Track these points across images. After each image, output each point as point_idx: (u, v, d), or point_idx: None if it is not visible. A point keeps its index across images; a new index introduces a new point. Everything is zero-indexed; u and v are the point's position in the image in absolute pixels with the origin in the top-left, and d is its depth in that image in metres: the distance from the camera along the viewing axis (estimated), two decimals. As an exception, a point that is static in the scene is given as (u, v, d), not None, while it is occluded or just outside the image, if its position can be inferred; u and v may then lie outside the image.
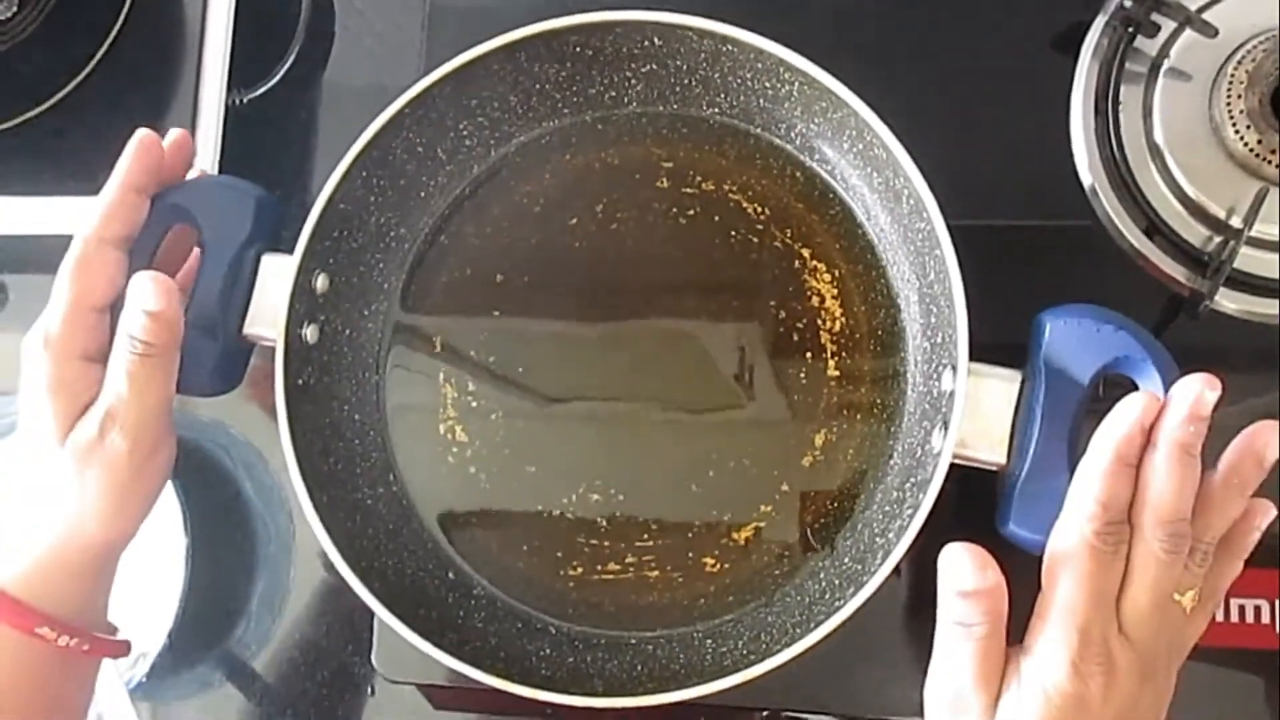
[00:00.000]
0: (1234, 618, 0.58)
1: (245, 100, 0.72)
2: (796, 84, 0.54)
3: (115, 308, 0.52)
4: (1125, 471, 0.44)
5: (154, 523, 0.65)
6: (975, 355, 0.49)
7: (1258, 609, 0.58)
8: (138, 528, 0.55)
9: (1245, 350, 0.61)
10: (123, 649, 0.57)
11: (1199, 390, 0.44)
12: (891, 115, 0.51)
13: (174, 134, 0.56)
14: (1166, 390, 0.47)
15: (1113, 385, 0.49)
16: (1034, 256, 0.62)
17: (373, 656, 0.63)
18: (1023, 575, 0.59)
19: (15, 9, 0.73)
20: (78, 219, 0.53)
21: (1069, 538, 0.44)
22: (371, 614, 0.52)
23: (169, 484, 0.65)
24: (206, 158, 0.70)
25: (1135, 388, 0.48)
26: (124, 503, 0.52)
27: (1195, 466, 0.44)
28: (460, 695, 0.64)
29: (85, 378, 0.51)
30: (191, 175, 0.57)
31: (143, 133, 0.54)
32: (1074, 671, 0.43)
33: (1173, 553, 0.44)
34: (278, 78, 0.72)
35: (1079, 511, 0.44)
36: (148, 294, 0.50)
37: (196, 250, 0.57)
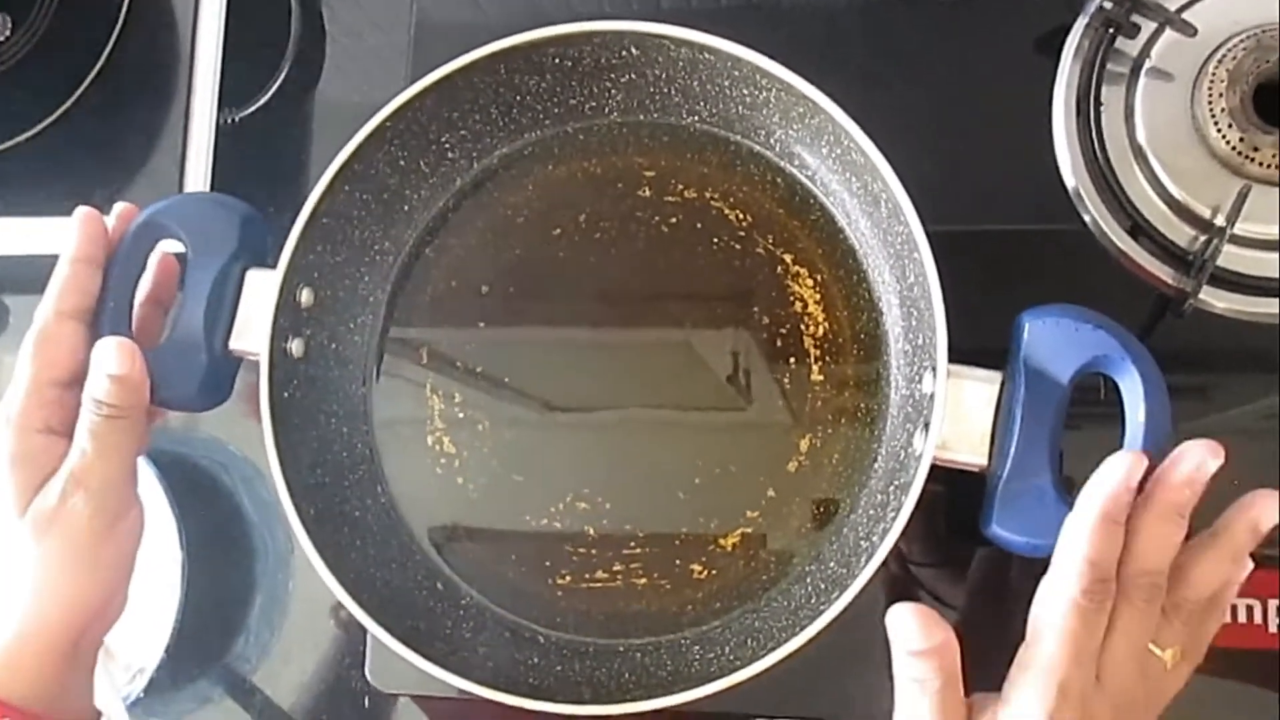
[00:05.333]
0: (1226, 617, 0.57)
1: (237, 118, 0.72)
2: (774, 90, 0.55)
3: (80, 380, 0.52)
4: (1113, 530, 0.44)
5: (149, 538, 0.66)
6: (962, 359, 0.49)
7: (1250, 609, 0.57)
8: (110, 606, 0.52)
9: (1236, 351, 0.61)
10: None
11: (1201, 458, 0.45)
12: (873, 121, 0.51)
13: (118, 207, 0.56)
14: (1146, 391, 0.47)
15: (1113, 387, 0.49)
16: (1018, 259, 0.62)
17: (366, 668, 0.64)
18: (1008, 576, 0.59)
19: (9, 32, 0.73)
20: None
21: (1055, 594, 0.44)
22: (366, 627, 0.52)
23: (163, 497, 0.66)
24: (198, 176, 0.71)
25: (1115, 386, 0.48)
26: (86, 575, 0.51)
27: (1184, 526, 0.45)
28: (454, 706, 0.65)
29: (48, 450, 0.51)
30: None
31: (82, 209, 0.54)
32: None
33: (1149, 603, 0.44)
34: (269, 96, 0.73)
35: (1066, 569, 0.44)
36: (110, 358, 0.51)
37: (172, 264, 0.57)
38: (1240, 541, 0.46)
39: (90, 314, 0.53)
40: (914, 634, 0.44)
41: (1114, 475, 0.45)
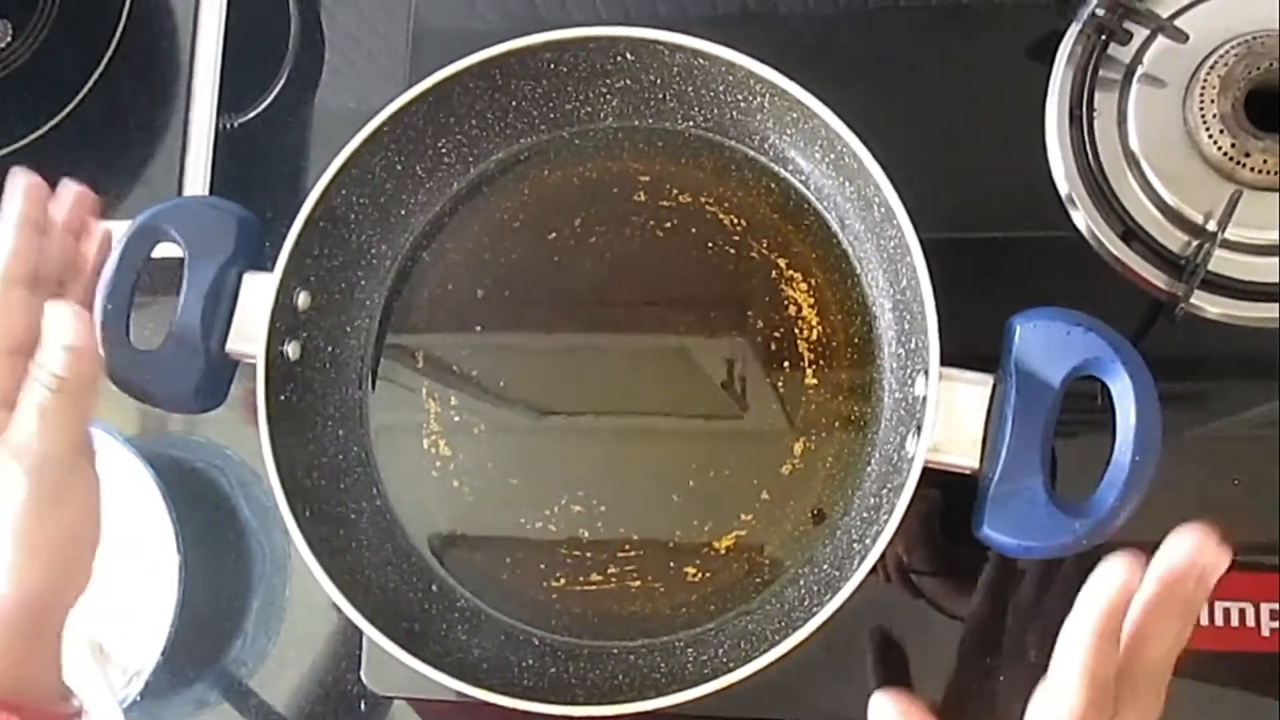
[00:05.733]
0: (1219, 621, 0.57)
1: (236, 124, 0.73)
2: (767, 95, 0.55)
3: (27, 348, 0.49)
4: (1113, 638, 0.41)
5: (145, 541, 0.67)
6: (956, 364, 0.49)
7: (1243, 612, 0.58)
8: (64, 584, 0.50)
9: (1233, 357, 0.61)
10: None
11: (1198, 542, 0.42)
12: (867, 128, 0.52)
13: (62, 183, 0.55)
14: (1137, 394, 0.47)
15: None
16: (1012, 265, 0.62)
17: (361, 671, 0.64)
18: (996, 565, 0.59)
19: (9, 38, 0.74)
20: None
21: (1055, 704, 0.41)
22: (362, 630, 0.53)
23: (160, 500, 0.66)
24: (197, 181, 0.71)
25: (1106, 388, 0.48)
26: (28, 556, 0.47)
27: (1191, 618, 0.42)
28: (449, 709, 0.65)
29: None
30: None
31: (17, 170, 0.53)
32: None
33: (1156, 696, 0.42)
34: (268, 101, 0.73)
35: (1065, 679, 0.41)
36: (67, 327, 0.48)
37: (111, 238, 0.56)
38: (1193, 596, 0.42)
39: (36, 280, 0.51)
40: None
41: (1111, 587, 0.41)
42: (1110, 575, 0.42)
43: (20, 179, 0.53)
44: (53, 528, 0.48)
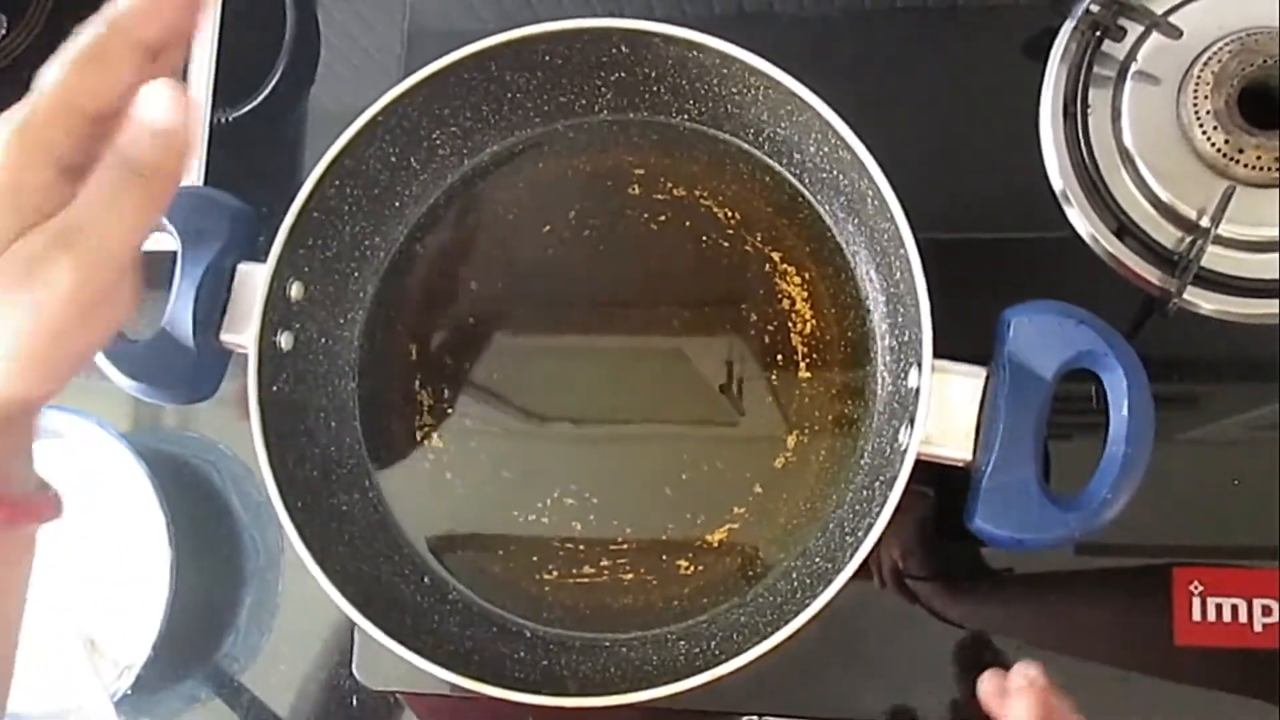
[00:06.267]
0: (1211, 617, 0.57)
1: (231, 118, 0.73)
2: (762, 88, 0.55)
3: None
4: None
5: (138, 536, 0.67)
6: (947, 359, 0.49)
7: (1235, 608, 0.57)
8: (60, 387, 0.42)
9: (1231, 357, 0.61)
10: (50, 508, 0.45)
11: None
12: (862, 126, 0.52)
13: None
14: (1129, 387, 0.47)
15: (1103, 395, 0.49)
16: (1005, 261, 0.63)
17: (354, 666, 0.64)
18: (992, 569, 0.59)
19: (4, 31, 0.74)
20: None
21: None
22: (354, 624, 0.52)
23: (153, 495, 0.66)
24: (192, 174, 0.71)
25: (1099, 381, 0.48)
26: (48, 357, 0.40)
27: None
28: (442, 703, 0.65)
29: (48, 190, 0.38)
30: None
31: None
32: None
33: None
34: (263, 96, 0.73)
35: None
36: (162, 103, 0.39)
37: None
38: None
39: (170, 56, 0.41)
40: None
41: None
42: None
43: None
44: (78, 339, 0.41)
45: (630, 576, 0.57)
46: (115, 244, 0.39)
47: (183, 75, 0.49)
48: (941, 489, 0.57)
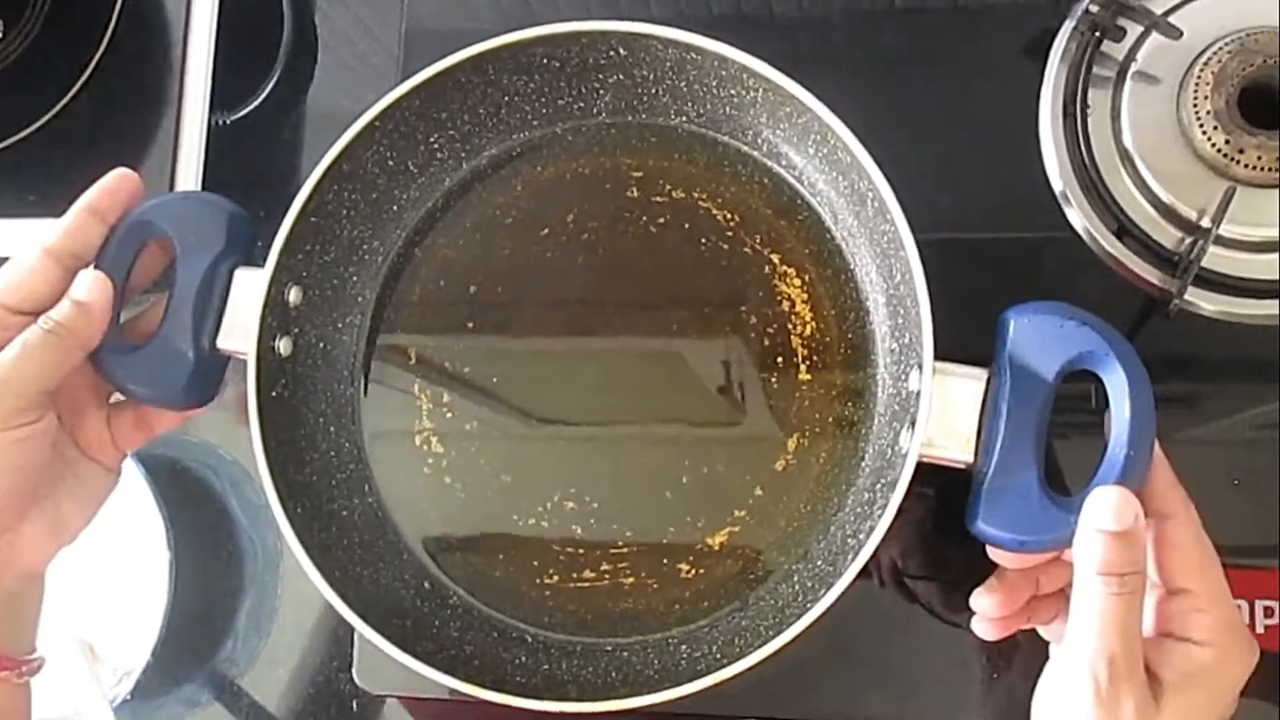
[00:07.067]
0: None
1: (228, 121, 0.73)
2: (760, 90, 0.55)
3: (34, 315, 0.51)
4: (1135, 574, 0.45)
5: (137, 540, 0.67)
6: (948, 361, 0.49)
7: (1238, 609, 0.57)
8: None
9: (1231, 357, 0.61)
10: (21, 667, 0.53)
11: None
12: (862, 127, 0.52)
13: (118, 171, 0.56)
14: (1131, 388, 0.47)
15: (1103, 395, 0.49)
16: (1006, 262, 0.63)
17: (353, 670, 0.63)
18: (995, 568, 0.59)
19: (1, 36, 0.74)
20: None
21: (1078, 674, 0.44)
22: (354, 628, 0.52)
23: (152, 499, 0.66)
24: (190, 178, 0.71)
25: (1100, 382, 0.48)
26: None
27: None
28: (442, 707, 0.65)
29: None
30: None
31: (123, 170, 0.55)
32: None
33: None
34: (260, 99, 0.73)
35: (1086, 639, 0.44)
36: (83, 285, 0.51)
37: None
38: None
39: (74, 263, 0.53)
40: (1110, 512, 0.44)
41: (1109, 514, 0.45)
42: (1104, 502, 0.44)
43: (116, 172, 0.54)
44: None
45: (631, 580, 0.57)
46: (23, 376, 0.49)
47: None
48: (943, 489, 0.57)
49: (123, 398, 0.56)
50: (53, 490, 0.53)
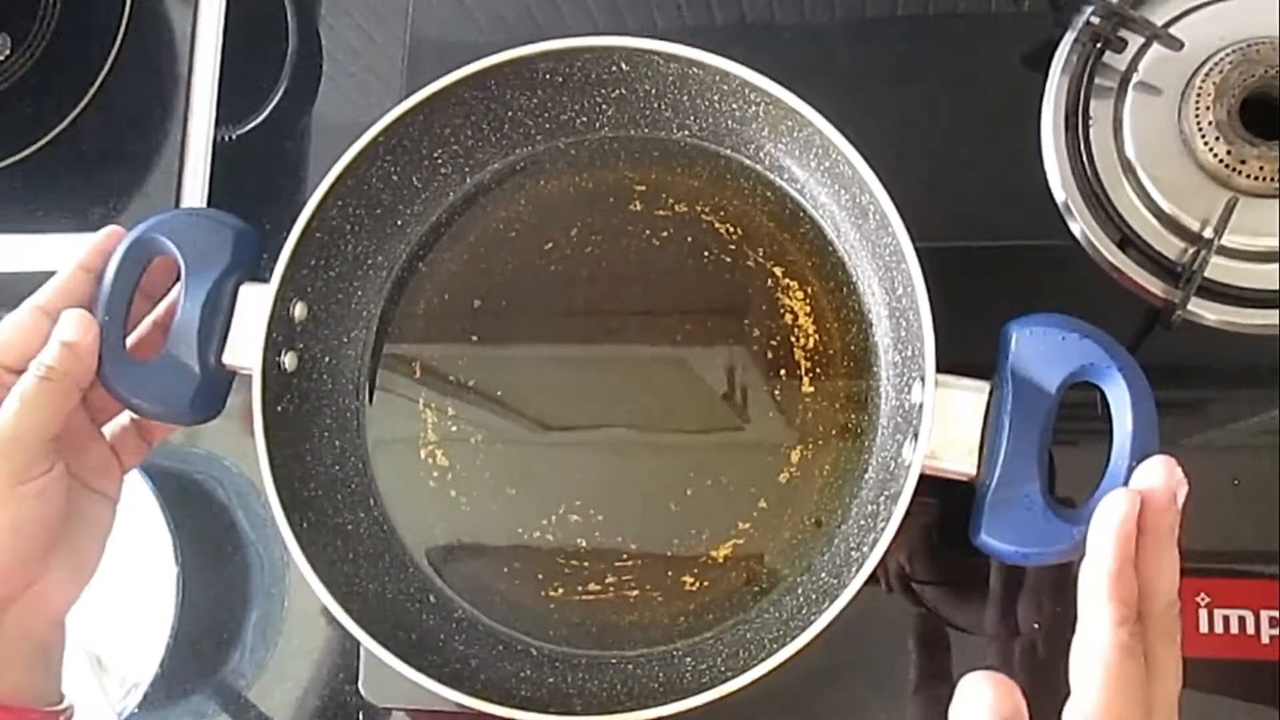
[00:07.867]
0: (1218, 628, 0.57)
1: (233, 136, 0.73)
2: (762, 104, 0.55)
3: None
4: (1130, 567, 0.42)
5: (144, 553, 0.67)
6: (954, 373, 0.49)
7: (1242, 619, 0.57)
8: (12, 573, 0.51)
9: (1232, 365, 0.61)
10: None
11: (1172, 472, 0.44)
12: (863, 137, 0.52)
13: (106, 229, 0.56)
14: (1133, 400, 0.47)
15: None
16: (1008, 273, 0.62)
17: (359, 682, 0.64)
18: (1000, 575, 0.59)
19: (8, 51, 0.74)
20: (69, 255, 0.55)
21: (1091, 642, 0.41)
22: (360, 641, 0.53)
23: (158, 511, 0.66)
24: (195, 193, 0.71)
25: (1103, 395, 0.48)
26: None
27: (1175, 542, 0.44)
28: (447, 720, 0.65)
29: None
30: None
31: (112, 227, 0.56)
32: None
33: (1178, 633, 0.43)
34: (265, 114, 0.73)
35: (1095, 613, 0.41)
36: (68, 325, 0.52)
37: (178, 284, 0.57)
38: (1174, 522, 0.44)
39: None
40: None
41: (1123, 517, 0.42)
42: (1117, 510, 0.43)
43: (104, 230, 0.56)
44: (5, 514, 0.49)
45: (635, 593, 0.57)
46: (23, 429, 0.49)
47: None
48: (947, 498, 0.57)
49: (121, 425, 0.57)
50: (67, 532, 0.53)
